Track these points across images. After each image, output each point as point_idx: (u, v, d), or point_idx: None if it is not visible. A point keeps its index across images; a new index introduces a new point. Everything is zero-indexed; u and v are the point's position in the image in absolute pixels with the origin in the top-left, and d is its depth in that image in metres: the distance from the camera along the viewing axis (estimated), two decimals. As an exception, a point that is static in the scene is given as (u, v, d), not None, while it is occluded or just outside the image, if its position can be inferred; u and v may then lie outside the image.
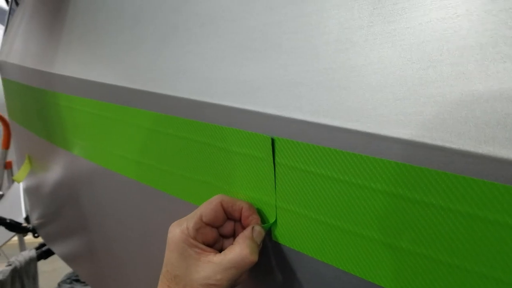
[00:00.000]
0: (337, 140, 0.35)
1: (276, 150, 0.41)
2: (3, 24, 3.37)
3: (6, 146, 2.51)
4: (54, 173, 1.07)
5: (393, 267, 0.33)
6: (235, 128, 0.45)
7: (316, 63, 0.37)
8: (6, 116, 2.44)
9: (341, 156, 0.35)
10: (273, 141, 0.41)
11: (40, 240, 1.69)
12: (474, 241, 0.28)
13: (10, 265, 1.69)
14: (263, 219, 0.45)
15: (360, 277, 0.36)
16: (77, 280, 2.66)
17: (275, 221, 0.43)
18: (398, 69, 0.31)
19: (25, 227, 1.47)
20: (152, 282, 0.71)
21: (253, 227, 0.43)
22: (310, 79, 0.37)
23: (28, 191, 1.44)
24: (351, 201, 0.35)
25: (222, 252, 0.41)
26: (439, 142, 0.29)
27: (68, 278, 2.66)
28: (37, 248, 1.79)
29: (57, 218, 1.18)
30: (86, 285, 2.58)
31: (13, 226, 1.45)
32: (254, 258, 0.40)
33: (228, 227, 0.46)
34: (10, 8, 1.42)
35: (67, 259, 1.18)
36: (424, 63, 0.30)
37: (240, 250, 0.40)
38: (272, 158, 0.41)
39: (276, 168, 0.41)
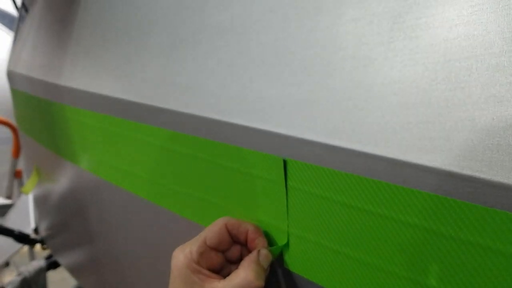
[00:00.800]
0: (354, 164, 0.32)
1: (288, 173, 0.38)
2: (9, 28, 3.39)
3: (16, 155, 2.52)
4: (62, 185, 1.05)
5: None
6: (245, 148, 0.42)
7: (332, 81, 0.34)
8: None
9: (359, 182, 0.32)
10: (285, 163, 0.38)
11: (44, 250, 1.68)
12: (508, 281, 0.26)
13: (19, 275, 1.68)
14: (272, 243, 0.42)
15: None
16: (87, 290, 2.66)
17: (284, 245, 0.40)
18: (422, 90, 0.29)
19: (33, 239, 1.45)
20: None
21: (259, 251, 0.40)
22: (324, 98, 0.35)
23: (36, 202, 1.43)
24: (370, 231, 0.32)
25: (227, 278, 0.39)
26: (468, 172, 0.26)
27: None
28: (46, 258, 1.78)
29: (65, 231, 1.17)
30: (95, 294, 2.58)
31: (21, 238, 1.44)
32: (260, 283, 0.37)
33: (235, 251, 0.43)
34: (20, 15, 1.41)
35: (74, 272, 1.17)
36: (451, 83, 0.27)
37: (245, 275, 0.37)
38: (284, 181, 0.39)
39: (288, 192, 0.39)
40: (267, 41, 0.41)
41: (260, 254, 0.40)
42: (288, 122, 0.38)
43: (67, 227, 1.11)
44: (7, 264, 2.46)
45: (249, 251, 0.42)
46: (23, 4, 1.31)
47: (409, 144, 0.29)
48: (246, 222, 0.43)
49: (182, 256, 0.40)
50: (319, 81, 0.35)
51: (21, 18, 1.37)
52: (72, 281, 2.64)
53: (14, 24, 1.53)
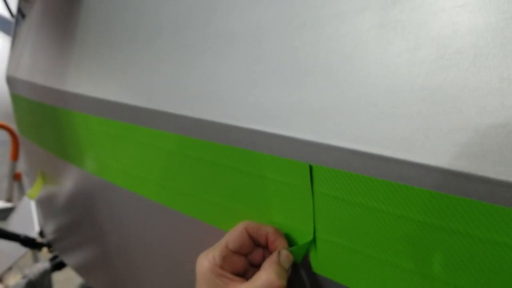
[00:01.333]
0: (381, 169, 0.33)
1: (314, 178, 0.39)
2: (4, 32, 3.36)
3: (15, 157, 2.51)
4: (68, 189, 1.05)
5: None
6: (269, 154, 0.43)
7: (357, 88, 0.35)
8: (14, 127, 2.44)
9: (389, 187, 0.33)
10: (310, 168, 0.39)
11: (51, 253, 1.68)
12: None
13: (24, 277, 1.69)
14: (293, 245, 0.43)
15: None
16: (91, 289, 2.66)
17: (305, 245, 0.41)
18: (452, 97, 0.29)
19: (39, 243, 1.45)
20: None
21: (279, 252, 0.41)
22: (350, 105, 0.35)
23: (41, 206, 1.43)
24: (399, 234, 0.33)
25: (249, 280, 0.39)
26: (503, 177, 0.27)
27: (82, 287, 2.67)
28: (51, 260, 1.78)
29: (73, 234, 1.17)
30: (100, 294, 2.59)
31: (27, 242, 1.43)
32: (282, 283, 0.38)
33: (257, 255, 0.44)
34: (17, 20, 1.40)
35: (83, 273, 1.17)
36: (483, 89, 0.28)
37: (266, 276, 0.38)
38: (310, 186, 0.39)
39: (314, 197, 0.39)
40: (287, 47, 0.41)
41: (281, 255, 0.40)
42: (313, 128, 0.38)
43: (75, 229, 1.11)
44: (9, 267, 2.46)
45: (271, 253, 0.42)
46: (19, 9, 1.30)
47: (442, 151, 0.29)
48: (266, 225, 0.43)
49: (205, 261, 0.41)
50: (344, 88, 0.36)
51: (17, 23, 1.36)
52: (77, 281, 2.66)
53: (11, 28, 1.52)
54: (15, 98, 1.35)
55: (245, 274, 0.43)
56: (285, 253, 0.40)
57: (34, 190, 1.29)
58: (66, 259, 1.31)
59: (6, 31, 3.42)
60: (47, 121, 1.03)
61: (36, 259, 2.27)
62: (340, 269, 0.39)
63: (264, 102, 0.42)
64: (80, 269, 1.18)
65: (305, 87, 0.39)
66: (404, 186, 0.32)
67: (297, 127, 0.39)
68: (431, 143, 0.30)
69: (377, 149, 0.33)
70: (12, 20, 1.58)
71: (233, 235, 0.43)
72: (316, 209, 0.39)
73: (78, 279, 2.76)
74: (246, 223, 0.43)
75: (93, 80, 0.76)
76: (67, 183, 1.02)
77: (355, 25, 0.35)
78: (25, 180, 2.58)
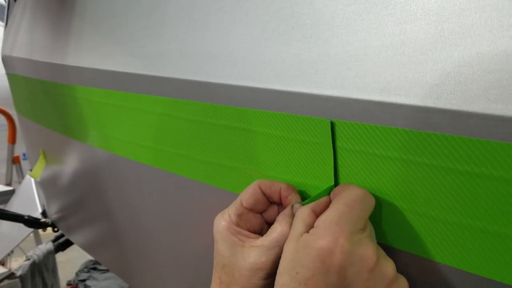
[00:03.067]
0: (414, 120, 0.32)
1: (337, 135, 0.38)
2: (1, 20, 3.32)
3: (12, 141, 2.50)
4: (71, 166, 1.04)
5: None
6: (287, 114, 0.42)
7: (381, 37, 0.34)
8: (9, 111, 2.42)
9: (421, 138, 0.32)
10: (332, 125, 0.38)
11: (55, 233, 1.69)
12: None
13: (28, 259, 1.69)
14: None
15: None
16: (94, 269, 2.68)
17: (315, 196, 0.40)
18: (486, 39, 0.28)
19: (43, 222, 1.45)
20: (177, 265, 0.70)
21: (292, 205, 0.41)
22: (374, 55, 0.34)
23: (43, 185, 1.42)
24: (429, 184, 0.33)
25: (264, 235, 0.40)
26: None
27: (85, 267, 2.69)
28: (53, 241, 1.79)
29: (77, 210, 1.17)
30: (104, 272, 2.61)
31: (32, 223, 1.43)
32: None
33: (272, 212, 0.44)
34: (9, 3, 1.38)
35: (89, 249, 1.17)
36: (518, 30, 0.27)
37: (280, 229, 0.39)
38: (331, 143, 0.39)
39: (337, 153, 0.39)
40: (302, 1, 0.40)
41: (294, 208, 0.40)
42: (334, 83, 0.37)
43: (81, 206, 1.11)
44: (12, 250, 2.47)
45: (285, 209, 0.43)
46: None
47: (475, 95, 0.29)
48: (279, 182, 0.44)
49: (222, 220, 0.42)
50: (366, 38, 0.35)
51: (10, 4, 1.33)
52: (79, 261, 2.67)
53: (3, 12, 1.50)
54: (12, 78, 1.33)
55: (261, 231, 0.44)
56: (297, 206, 0.40)
57: (37, 170, 1.28)
58: (71, 237, 1.31)
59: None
60: (48, 98, 1.02)
61: (38, 241, 2.28)
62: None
63: (282, 60, 0.42)
64: (86, 246, 1.18)
65: (325, 41, 0.38)
66: (434, 134, 0.31)
67: (316, 83, 0.39)
68: (464, 87, 0.29)
69: (405, 99, 0.32)
70: (4, 2, 1.55)
71: (247, 193, 0.43)
72: (340, 166, 0.39)
73: (80, 260, 2.78)
74: (259, 181, 0.44)
75: (96, 52, 0.74)
76: (71, 159, 1.02)
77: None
78: (23, 163, 2.58)
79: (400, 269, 0.34)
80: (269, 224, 0.44)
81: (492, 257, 0.31)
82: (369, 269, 0.32)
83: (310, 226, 0.35)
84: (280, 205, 0.44)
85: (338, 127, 0.38)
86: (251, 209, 0.43)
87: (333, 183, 0.40)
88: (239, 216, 0.42)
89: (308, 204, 0.38)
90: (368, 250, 0.32)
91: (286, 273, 0.34)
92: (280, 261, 0.35)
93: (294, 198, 0.42)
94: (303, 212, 0.37)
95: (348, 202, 0.35)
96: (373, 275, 0.32)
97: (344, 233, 0.32)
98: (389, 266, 0.33)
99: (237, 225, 0.42)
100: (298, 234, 0.35)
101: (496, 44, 0.28)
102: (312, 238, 0.33)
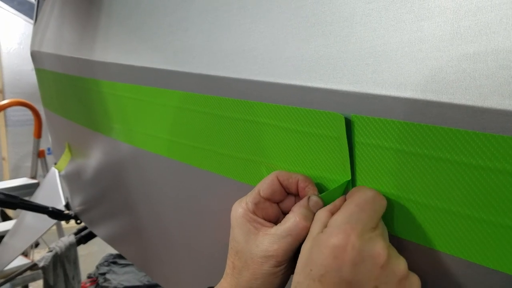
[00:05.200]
0: (430, 115, 0.33)
1: (355, 129, 0.39)
2: (25, 15, 3.40)
3: (38, 135, 2.56)
4: (95, 159, 1.07)
5: None
6: (304, 108, 0.43)
7: (399, 34, 0.35)
8: (36, 106, 2.48)
9: (436, 132, 0.33)
10: (348, 120, 0.39)
11: (78, 226, 1.72)
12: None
13: (51, 251, 1.73)
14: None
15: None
16: (114, 263, 2.73)
17: (333, 190, 0.42)
18: (501, 37, 0.29)
19: (67, 214, 1.49)
20: (197, 257, 0.72)
21: (309, 197, 0.42)
22: (392, 52, 0.35)
23: (67, 178, 1.46)
24: (447, 178, 0.33)
25: (279, 224, 0.41)
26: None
27: (105, 261, 2.74)
28: (75, 234, 1.83)
29: (100, 203, 1.20)
30: (124, 266, 2.66)
31: (55, 214, 1.47)
32: (307, 224, 0.39)
33: (289, 203, 0.45)
34: (38, 1, 1.42)
35: (111, 241, 1.20)
36: None
37: (294, 218, 0.40)
38: (345, 137, 0.40)
39: (355, 148, 0.40)
40: None
41: (310, 200, 0.42)
42: (352, 78, 0.38)
43: (103, 199, 1.14)
44: (36, 245, 2.53)
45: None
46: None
47: (490, 91, 0.29)
48: (296, 173, 0.45)
49: (239, 207, 0.44)
50: (384, 35, 0.36)
51: (39, 1, 1.37)
52: (99, 255, 2.72)
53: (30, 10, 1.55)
54: (40, 73, 1.37)
55: (277, 221, 0.45)
56: (314, 198, 0.42)
57: (62, 163, 1.32)
58: (94, 229, 1.35)
59: (26, 13, 3.47)
60: (74, 92, 1.05)
61: (61, 234, 2.33)
62: (387, 218, 0.39)
63: (302, 56, 0.43)
64: (108, 238, 1.21)
65: (344, 38, 0.39)
66: (449, 129, 0.32)
67: (334, 78, 0.40)
68: (478, 83, 0.30)
69: (422, 94, 0.33)
70: (34, 1, 1.60)
71: (265, 183, 0.44)
72: (357, 159, 0.40)
73: (100, 253, 2.84)
74: (277, 172, 0.45)
75: (121, 47, 0.76)
76: (95, 153, 1.04)
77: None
78: (48, 158, 2.64)
79: (409, 261, 0.35)
80: (285, 214, 0.45)
81: (495, 247, 0.32)
82: (380, 265, 0.33)
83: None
84: (297, 196, 0.45)
85: (356, 122, 0.39)
86: (268, 199, 0.44)
87: (350, 177, 0.41)
88: (256, 204, 0.43)
89: (326, 206, 0.39)
90: (379, 247, 0.33)
91: (301, 271, 0.35)
92: (297, 262, 0.37)
93: (311, 189, 0.43)
94: (321, 214, 0.38)
95: (358, 203, 0.36)
96: (385, 271, 0.33)
97: (354, 231, 0.33)
98: (401, 264, 0.34)
99: (254, 213, 0.43)
100: (314, 235, 0.37)
101: (511, 41, 0.29)
102: (324, 237, 0.35)
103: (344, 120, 0.39)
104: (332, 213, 0.38)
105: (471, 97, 0.30)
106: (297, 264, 0.37)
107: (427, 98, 0.33)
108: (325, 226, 0.37)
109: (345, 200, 0.39)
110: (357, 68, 0.38)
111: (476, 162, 0.31)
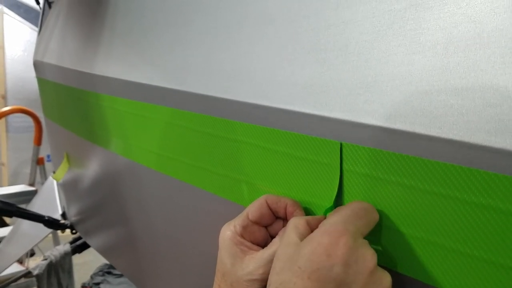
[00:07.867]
0: (418, 147, 0.34)
1: (344, 157, 0.39)
2: (31, 22, 3.44)
3: (38, 142, 2.57)
4: (92, 170, 1.07)
5: None
6: (298, 133, 0.43)
7: (391, 66, 0.35)
8: (37, 113, 2.49)
9: (423, 164, 0.33)
10: (341, 146, 0.40)
11: (73, 235, 1.72)
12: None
13: (46, 259, 1.73)
14: None
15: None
16: (109, 273, 2.71)
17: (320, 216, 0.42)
18: (488, 74, 0.30)
19: (62, 224, 1.49)
20: (189, 273, 0.72)
21: None
22: (383, 83, 0.36)
23: (65, 188, 1.46)
24: (434, 211, 0.34)
25: (265, 248, 0.42)
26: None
27: (100, 271, 2.72)
28: (71, 243, 1.82)
29: (95, 214, 1.20)
30: (118, 277, 2.64)
31: (51, 223, 1.47)
32: None
33: (277, 226, 0.45)
34: (43, 10, 1.43)
35: (105, 253, 1.20)
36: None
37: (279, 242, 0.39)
38: (339, 164, 0.40)
39: (343, 175, 0.40)
40: (319, 26, 0.42)
41: None
42: (343, 106, 0.39)
43: (100, 211, 1.14)
44: (32, 254, 2.52)
45: None
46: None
47: (476, 127, 0.30)
48: (285, 197, 0.45)
49: (227, 230, 0.44)
50: (376, 66, 0.36)
51: (44, 11, 1.39)
52: (94, 265, 2.71)
53: (34, 17, 1.56)
54: (42, 82, 1.38)
55: (265, 244, 0.45)
56: None
57: (60, 172, 1.32)
58: (88, 240, 1.34)
59: (31, 20, 3.50)
60: (75, 104, 1.06)
61: (56, 242, 2.33)
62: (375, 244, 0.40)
63: (296, 81, 0.43)
64: (102, 249, 1.20)
65: (338, 66, 0.40)
66: (436, 162, 0.32)
67: (326, 106, 0.40)
68: (465, 119, 0.30)
69: (410, 126, 0.34)
70: (39, 9, 1.62)
71: (254, 206, 0.44)
72: (345, 187, 0.40)
73: (95, 263, 2.82)
74: (266, 196, 0.45)
75: (122, 63, 0.77)
76: (93, 164, 1.05)
77: (390, 3, 0.36)
78: (47, 165, 2.64)
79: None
80: (274, 238, 0.45)
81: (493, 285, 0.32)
82: (370, 270, 0.33)
83: (304, 236, 0.36)
84: (285, 220, 0.45)
85: (345, 149, 0.39)
86: (256, 222, 0.44)
87: (332, 204, 0.41)
88: (244, 228, 0.44)
89: (303, 216, 0.40)
90: (370, 253, 0.33)
91: (287, 270, 0.34)
92: (274, 263, 0.36)
93: (299, 214, 0.43)
94: (297, 221, 0.38)
95: (353, 209, 0.36)
96: (373, 278, 0.33)
97: (348, 231, 0.33)
98: (387, 277, 0.34)
99: (241, 236, 0.43)
100: (290, 240, 0.36)
101: (498, 80, 0.29)
102: (317, 234, 0.34)
103: (339, 147, 0.40)
104: (309, 224, 0.38)
105: (458, 132, 0.31)
106: (275, 265, 0.35)
107: (416, 130, 0.33)
108: (302, 235, 0.36)
109: (324, 218, 0.39)
110: (349, 97, 0.38)
111: (462, 196, 0.32)
